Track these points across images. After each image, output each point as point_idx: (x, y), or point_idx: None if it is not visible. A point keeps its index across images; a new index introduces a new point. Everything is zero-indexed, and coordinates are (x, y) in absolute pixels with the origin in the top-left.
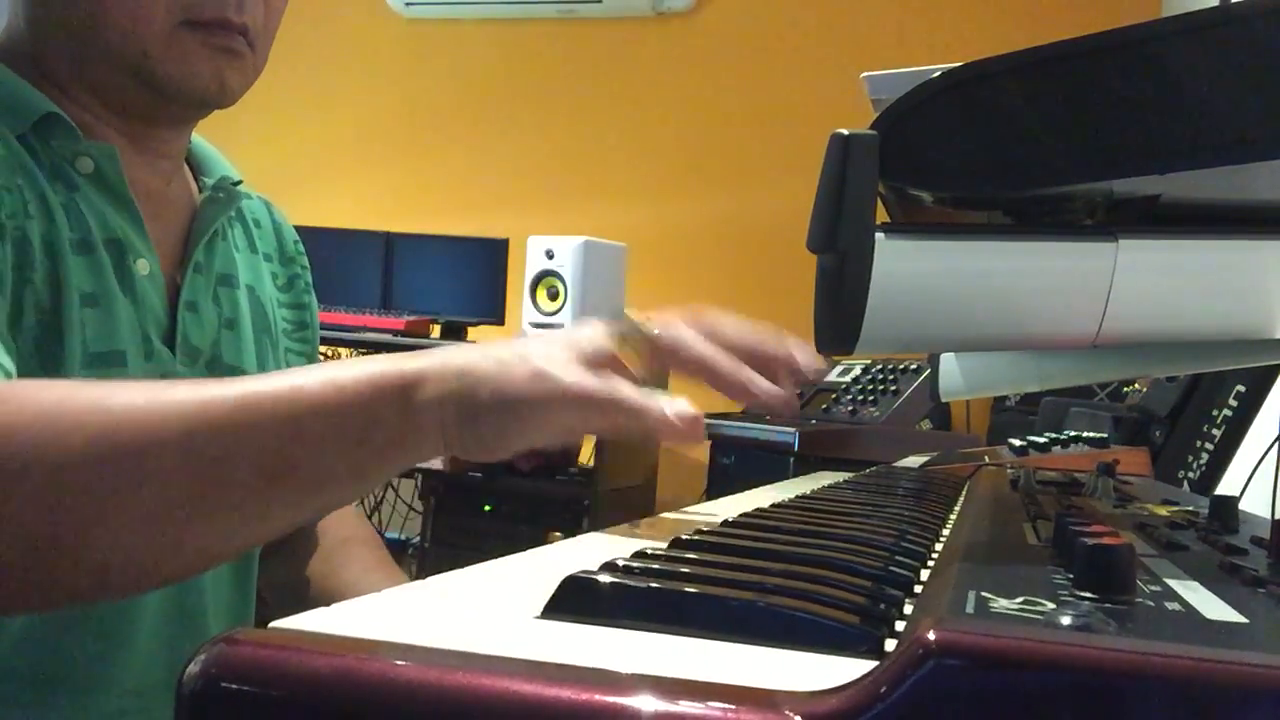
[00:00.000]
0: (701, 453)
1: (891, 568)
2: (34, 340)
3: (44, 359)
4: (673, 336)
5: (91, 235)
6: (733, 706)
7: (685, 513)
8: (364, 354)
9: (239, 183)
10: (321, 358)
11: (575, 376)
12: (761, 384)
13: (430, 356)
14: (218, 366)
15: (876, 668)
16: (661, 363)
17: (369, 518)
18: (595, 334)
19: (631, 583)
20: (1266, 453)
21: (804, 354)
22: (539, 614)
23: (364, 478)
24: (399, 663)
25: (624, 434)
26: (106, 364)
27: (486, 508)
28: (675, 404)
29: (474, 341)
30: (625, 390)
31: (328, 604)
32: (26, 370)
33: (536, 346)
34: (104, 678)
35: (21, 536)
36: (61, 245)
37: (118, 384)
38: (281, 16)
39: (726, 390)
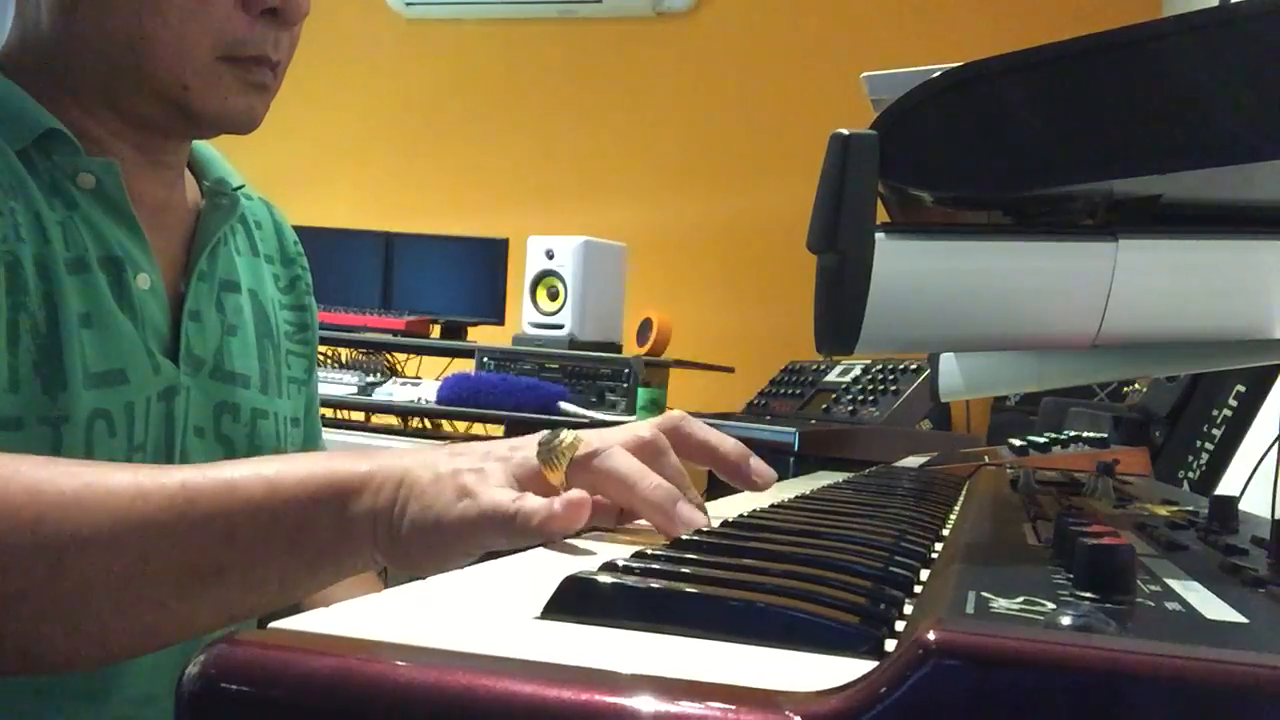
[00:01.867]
0: None
1: (891, 568)
2: (32, 363)
3: (44, 381)
4: (604, 466)
5: (87, 254)
6: (732, 707)
7: None
8: (363, 354)
9: (240, 187)
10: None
11: (493, 497)
12: (683, 515)
13: (371, 461)
14: (220, 374)
15: (876, 668)
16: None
17: None
18: (528, 453)
19: (631, 583)
20: (1266, 453)
21: (761, 470)
22: (538, 614)
23: (291, 586)
24: (398, 663)
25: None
26: (108, 383)
27: None
28: (564, 498)
29: (473, 343)
30: (528, 506)
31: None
32: (29, 393)
33: (468, 460)
34: (107, 686)
35: None
36: (56, 266)
37: (59, 466)
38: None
39: (643, 514)
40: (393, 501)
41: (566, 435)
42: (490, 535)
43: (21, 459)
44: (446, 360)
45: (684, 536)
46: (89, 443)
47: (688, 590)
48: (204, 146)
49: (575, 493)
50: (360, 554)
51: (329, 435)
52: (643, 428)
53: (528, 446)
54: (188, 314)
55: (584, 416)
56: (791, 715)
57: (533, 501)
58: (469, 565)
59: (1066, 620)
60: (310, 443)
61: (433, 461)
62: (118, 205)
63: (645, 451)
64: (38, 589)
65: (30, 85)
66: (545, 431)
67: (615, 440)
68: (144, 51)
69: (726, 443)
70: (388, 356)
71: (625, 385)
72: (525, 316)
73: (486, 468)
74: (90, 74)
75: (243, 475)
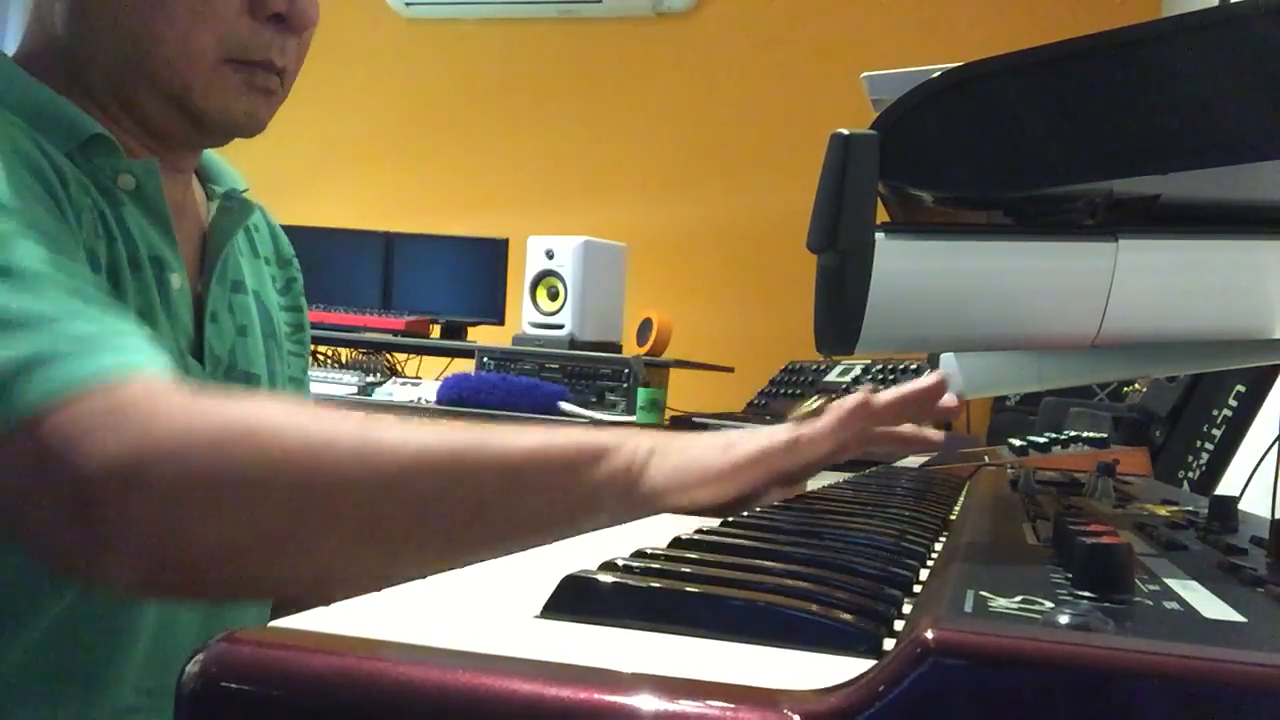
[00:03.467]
0: None
1: (891, 568)
2: None
3: None
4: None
5: (140, 253)
6: (732, 705)
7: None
8: (364, 354)
9: (245, 190)
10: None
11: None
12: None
13: (623, 431)
14: (234, 374)
15: (875, 666)
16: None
17: None
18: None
19: (631, 582)
20: (1266, 453)
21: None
22: (538, 613)
23: (553, 529)
24: (399, 662)
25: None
26: None
27: None
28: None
29: (473, 343)
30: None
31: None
32: None
33: (740, 435)
34: (115, 676)
35: (259, 535)
36: (121, 265)
37: (336, 419)
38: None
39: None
40: (651, 451)
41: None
42: (774, 458)
43: (297, 410)
44: (446, 360)
45: (683, 536)
46: None
47: (687, 589)
48: (209, 153)
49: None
50: (610, 499)
51: None
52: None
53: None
54: (209, 315)
55: (584, 416)
56: (790, 714)
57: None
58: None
59: (1064, 619)
60: None
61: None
62: (155, 206)
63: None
64: (337, 525)
65: (58, 88)
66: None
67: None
68: (150, 50)
69: (915, 384)
70: (388, 356)
71: (625, 385)
72: (525, 316)
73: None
74: (102, 73)
75: (517, 432)
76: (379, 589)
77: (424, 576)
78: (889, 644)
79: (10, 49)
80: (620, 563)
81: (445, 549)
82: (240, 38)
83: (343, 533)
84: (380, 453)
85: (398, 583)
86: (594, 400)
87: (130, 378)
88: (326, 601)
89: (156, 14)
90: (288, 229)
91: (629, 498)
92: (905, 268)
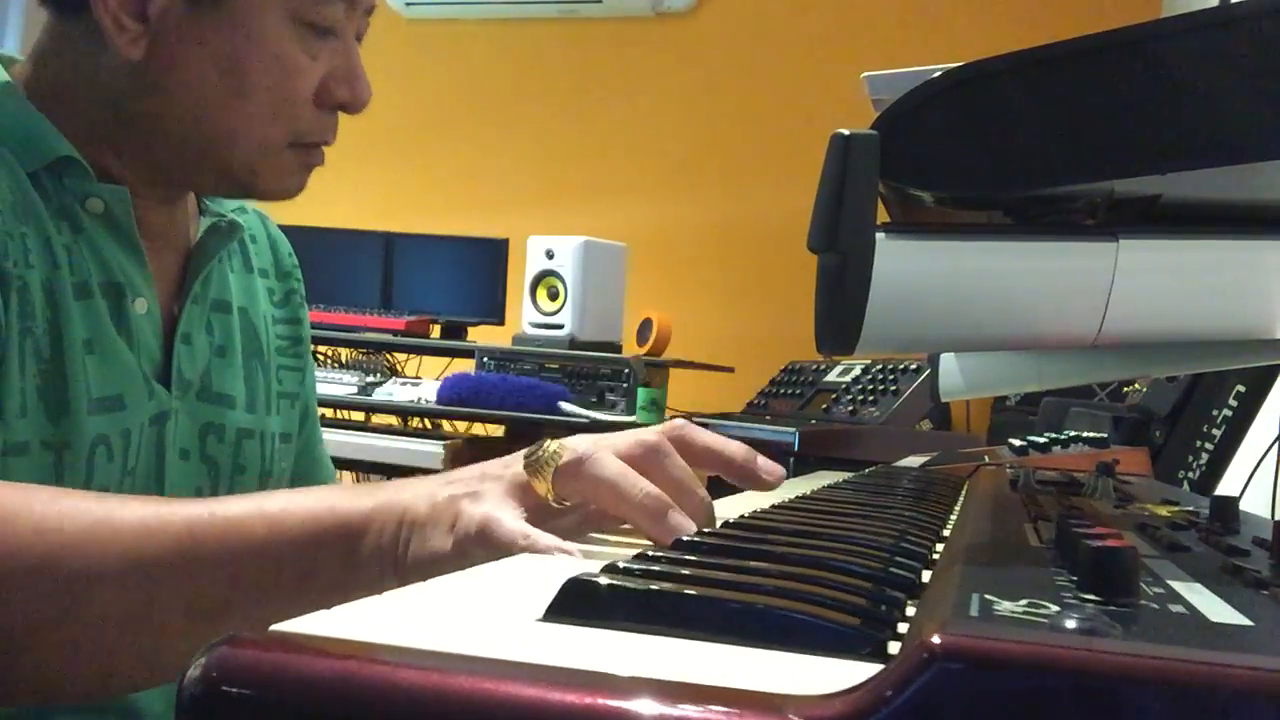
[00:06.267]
0: None
1: (892, 569)
2: (37, 389)
3: (48, 407)
4: (593, 473)
5: (90, 280)
6: (736, 710)
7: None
8: (363, 354)
9: (238, 208)
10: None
11: (483, 524)
12: (673, 523)
13: (373, 498)
14: (207, 395)
15: (881, 671)
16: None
17: None
18: (518, 468)
19: (633, 585)
20: (1266, 453)
21: (770, 468)
22: (540, 617)
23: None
24: (400, 666)
25: None
26: (109, 408)
27: None
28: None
29: (473, 343)
30: (519, 541)
31: None
32: (34, 418)
33: (464, 485)
34: (109, 701)
35: None
36: (63, 292)
37: (69, 501)
38: None
39: (633, 522)
40: (395, 539)
41: (550, 445)
42: (478, 557)
43: (30, 491)
44: (446, 360)
45: (685, 538)
46: (90, 468)
47: (689, 593)
48: None
49: (562, 545)
50: (366, 589)
51: (329, 435)
52: (647, 433)
53: (518, 462)
54: (180, 337)
55: (584, 416)
56: (795, 719)
57: (512, 530)
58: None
59: (1071, 623)
60: (311, 450)
61: (430, 491)
62: (123, 230)
63: (647, 456)
64: (48, 626)
65: (53, 110)
66: (532, 446)
67: (612, 445)
68: (224, 141)
69: (731, 445)
70: (388, 356)
71: (625, 385)
72: (525, 316)
73: (481, 489)
74: (159, 147)
75: (246, 514)
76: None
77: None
78: (893, 646)
79: (12, 50)
80: (622, 566)
81: (187, 643)
82: (305, 124)
83: (105, 622)
84: (118, 538)
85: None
86: (594, 400)
87: None
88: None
89: (239, 106)
90: (288, 229)
91: (381, 588)
92: (905, 268)
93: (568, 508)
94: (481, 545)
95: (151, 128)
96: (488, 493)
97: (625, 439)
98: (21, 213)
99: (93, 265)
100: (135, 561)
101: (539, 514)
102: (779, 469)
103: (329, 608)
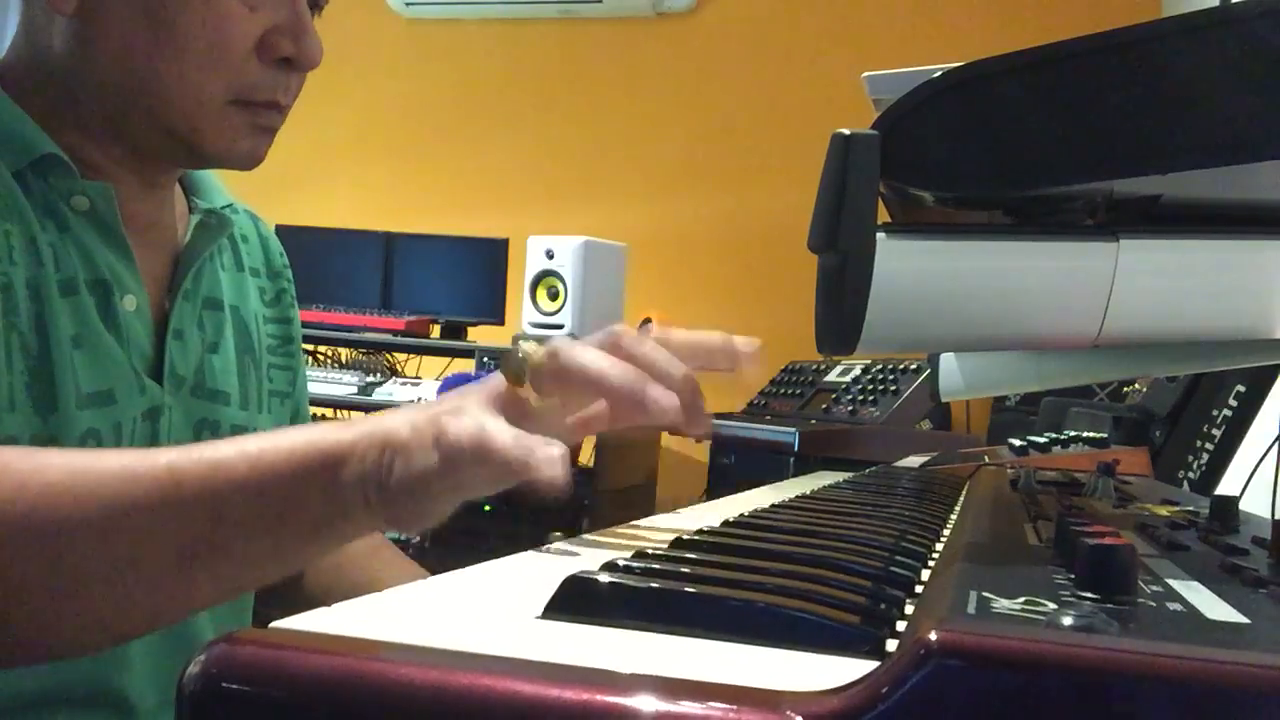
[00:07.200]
0: (702, 452)
1: (892, 568)
2: (25, 384)
3: (36, 402)
4: (569, 363)
5: (77, 277)
6: (734, 707)
7: (680, 514)
8: (363, 354)
9: (228, 205)
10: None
11: (468, 432)
12: (654, 395)
13: (354, 428)
14: (201, 392)
15: (878, 668)
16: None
17: None
18: (498, 378)
19: (632, 583)
20: (1266, 453)
21: (747, 349)
22: (539, 614)
23: (285, 558)
24: (399, 663)
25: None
26: (99, 403)
27: (486, 508)
28: (547, 447)
29: (473, 343)
30: (514, 445)
31: None
32: (23, 413)
33: (445, 404)
34: (102, 695)
35: None
36: (48, 288)
37: (44, 455)
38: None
39: (616, 405)
40: (379, 465)
41: (527, 345)
42: (470, 472)
43: (5, 451)
44: (446, 360)
45: (685, 536)
46: None
47: (688, 590)
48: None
49: (555, 452)
50: (353, 521)
51: None
52: (617, 325)
53: (494, 375)
54: (172, 333)
55: None
56: (793, 715)
57: (503, 435)
58: (471, 566)
59: (1068, 621)
60: None
61: (409, 417)
62: (109, 227)
63: (621, 344)
64: (35, 579)
65: (31, 104)
66: (506, 351)
67: (585, 340)
68: (158, 94)
69: (708, 334)
70: (388, 356)
71: None
72: (525, 316)
73: (463, 404)
74: (99, 105)
75: (226, 454)
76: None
77: (198, 607)
78: (891, 644)
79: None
80: (621, 563)
81: (176, 585)
82: (249, 80)
83: (73, 574)
84: (99, 486)
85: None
86: None
87: None
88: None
89: (169, 54)
90: (288, 229)
91: (368, 518)
92: (905, 268)
93: (552, 407)
94: (474, 457)
95: (92, 84)
96: (469, 406)
97: (597, 335)
98: (5, 210)
99: (79, 262)
100: (119, 508)
101: (523, 420)
102: (754, 341)
103: (318, 544)
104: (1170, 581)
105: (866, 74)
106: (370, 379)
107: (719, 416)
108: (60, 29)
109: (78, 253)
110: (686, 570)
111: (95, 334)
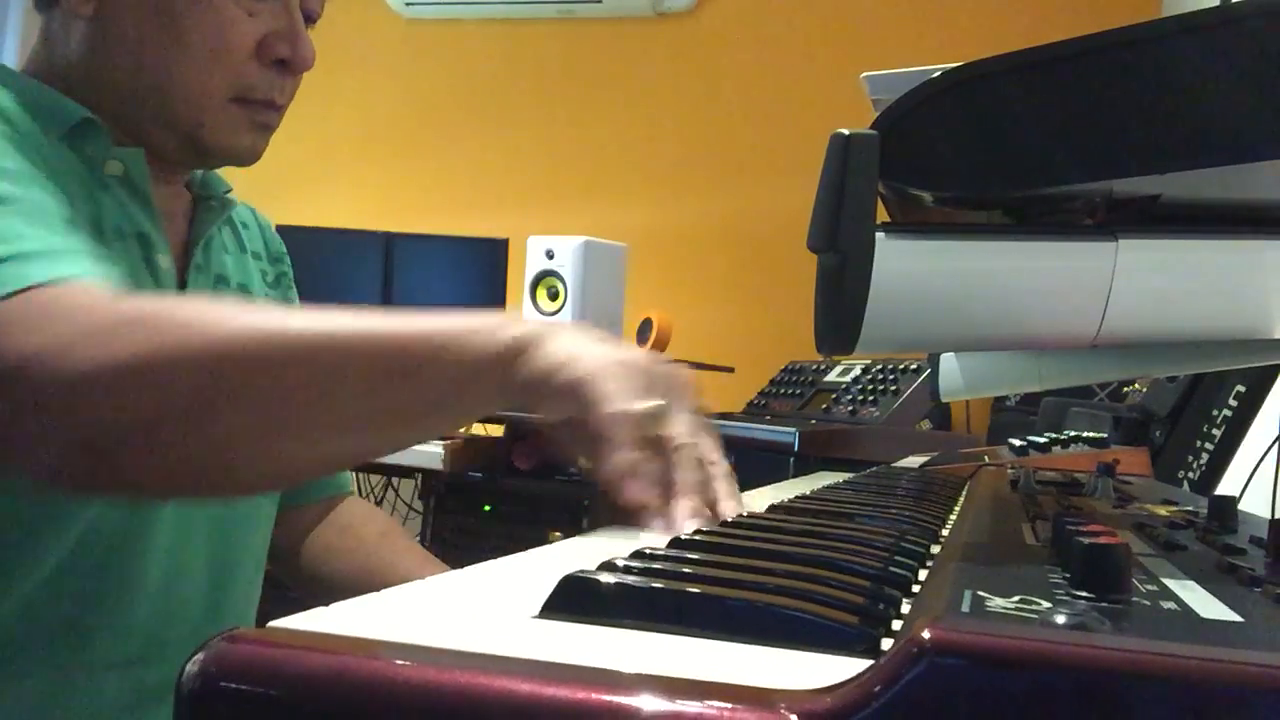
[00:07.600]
0: None
1: (890, 568)
2: None
3: None
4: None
5: (125, 227)
6: (729, 705)
7: None
8: None
9: (228, 190)
10: None
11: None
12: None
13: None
14: None
15: (872, 666)
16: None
17: None
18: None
19: (630, 582)
20: (1266, 453)
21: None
22: (537, 613)
23: (442, 410)
24: (398, 662)
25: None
26: None
27: (486, 508)
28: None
29: None
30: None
31: None
32: None
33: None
34: (118, 626)
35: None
36: (108, 231)
37: (222, 308)
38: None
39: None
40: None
41: (543, 359)
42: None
43: (173, 301)
44: None
45: (683, 536)
46: None
47: (686, 589)
48: None
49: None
50: (476, 398)
51: None
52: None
53: (660, 390)
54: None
55: None
56: (787, 713)
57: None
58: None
59: (1061, 619)
60: None
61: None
62: (141, 191)
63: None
64: (193, 414)
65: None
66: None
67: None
68: (167, 91)
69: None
70: None
71: None
72: (525, 316)
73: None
74: (113, 106)
75: (386, 334)
76: (293, 479)
77: (331, 466)
78: (887, 644)
79: (10, 48)
80: (619, 563)
81: (346, 427)
82: (248, 79)
83: (248, 408)
84: (284, 333)
85: (307, 475)
86: None
87: (60, 283)
88: (245, 491)
89: (176, 54)
90: (288, 229)
91: (508, 378)
92: (905, 268)
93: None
94: (570, 393)
95: (107, 86)
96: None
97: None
98: (60, 165)
99: (123, 217)
100: (316, 342)
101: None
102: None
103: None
104: (1166, 581)
105: (866, 74)
106: None
107: (719, 416)
108: (77, 34)
109: (119, 210)
110: (684, 569)
111: (143, 282)
